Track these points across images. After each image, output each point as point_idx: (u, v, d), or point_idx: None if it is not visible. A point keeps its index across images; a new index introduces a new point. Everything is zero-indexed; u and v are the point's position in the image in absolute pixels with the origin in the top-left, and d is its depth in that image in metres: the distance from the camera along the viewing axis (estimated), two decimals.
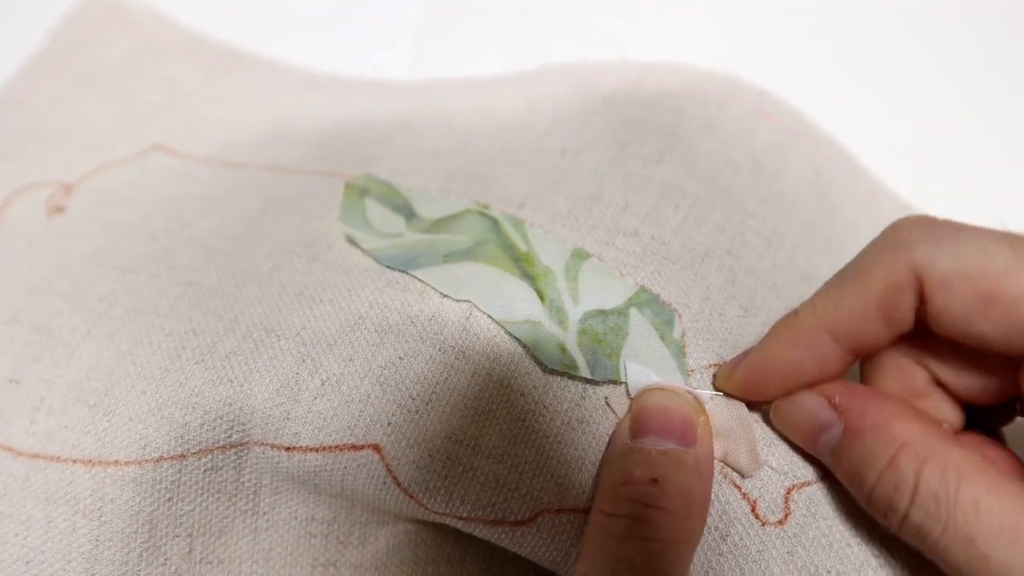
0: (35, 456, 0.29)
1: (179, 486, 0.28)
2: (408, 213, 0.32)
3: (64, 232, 0.37)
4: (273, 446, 0.28)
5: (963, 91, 0.48)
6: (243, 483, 0.29)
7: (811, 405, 0.25)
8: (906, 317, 0.24)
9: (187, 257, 0.33)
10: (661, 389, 0.27)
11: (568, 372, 0.27)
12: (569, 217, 0.31)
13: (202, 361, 0.29)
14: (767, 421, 0.27)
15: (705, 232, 0.31)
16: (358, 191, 0.32)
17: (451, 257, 0.29)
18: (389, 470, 0.26)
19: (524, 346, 0.28)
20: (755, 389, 0.27)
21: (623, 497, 0.24)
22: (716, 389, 0.28)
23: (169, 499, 0.28)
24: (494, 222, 0.30)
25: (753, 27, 0.51)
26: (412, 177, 0.34)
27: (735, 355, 0.28)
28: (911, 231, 0.24)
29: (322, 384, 0.27)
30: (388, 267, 0.30)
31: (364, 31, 0.52)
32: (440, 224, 0.31)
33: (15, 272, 0.35)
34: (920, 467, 0.22)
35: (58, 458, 0.29)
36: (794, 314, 0.26)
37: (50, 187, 0.40)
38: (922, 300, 0.23)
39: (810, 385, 0.26)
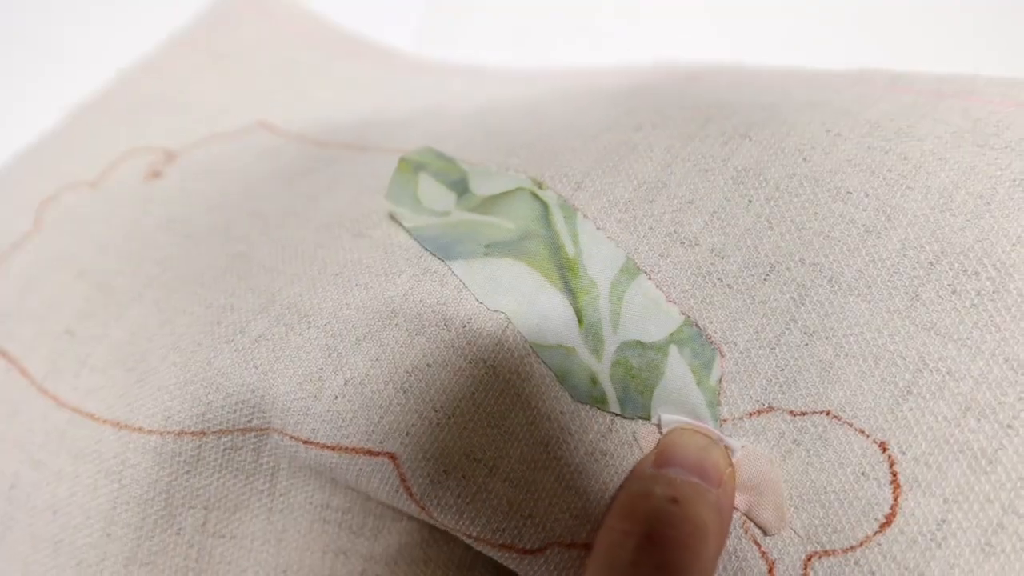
0: (74, 410, 0.30)
1: (198, 461, 0.29)
2: (462, 189, 0.31)
3: (152, 196, 0.38)
4: (292, 436, 0.27)
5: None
6: (262, 464, 0.29)
7: None
8: None
9: (245, 229, 0.34)
10: (693, 430, 0.26)
11: (597, 405, 0.26)
12: (627, 211, 0.28)
13: (232, 341, 0.29)
14: (804, 476, 0.26)
15: (777, 235, 0.27)
16: (413, 166, 0.31)
17: (493, 248, 0.28)
18: (403, 480, 0.26)
19: (554, 374, 0.27)
20: None
21: (639, 512, 0.23)
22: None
23: (187, 472, 0.29)
24: (545, 208, 0.29)
25: (753, 27, 0.50)
26: (476, 153, 0.33)
27: (783, 394, 0.26)
28: None
29: (345, 384, 0.27)
30: (428, 251, 0.29)
31: (364, 31, 0.52)
32: (489, 203, 0.30)
33: (97, 229, 0.37)
34: None
35: (93, 416, 0.29)
36: None
37: (156, 154, 0.41)
38: None
39: None
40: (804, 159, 0.28)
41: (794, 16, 0.50)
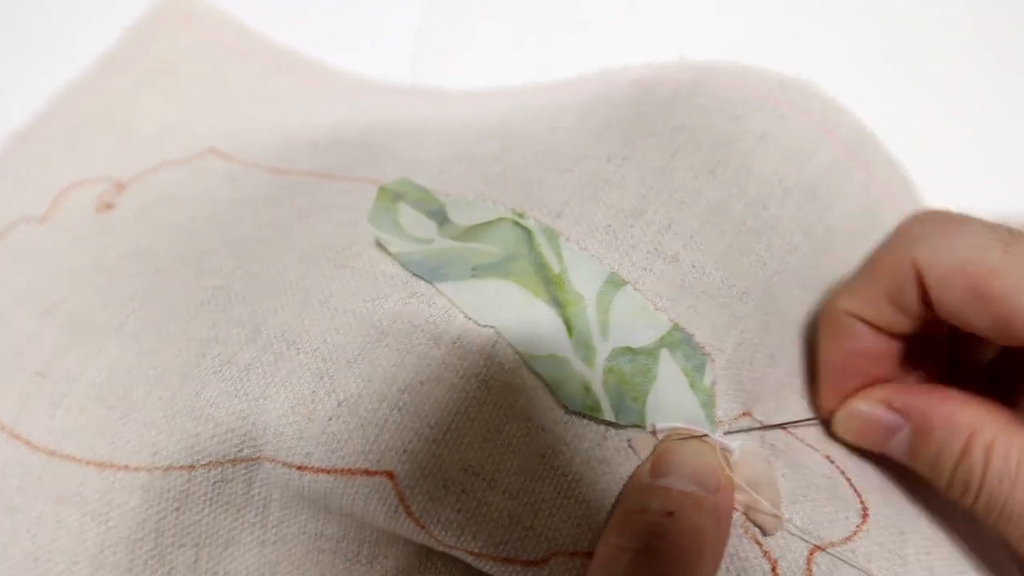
0: (51, 453, 0.29)
1: (187, 496, 0.28)
2: (441, 219, 0.31)
3: (110, 228, 0.37)
4: (284, 464, 0.27)
5: (978, 82, 0.48)
6: (253, 496, 0.29)
7: (870, 413, 0.27)
8: (914, 306, 0.26)
9: (219, 261, 0.33)
10: (689, 436, 0.26)
11: (591, 414, 0.26)
12: (608, 233, 0.29)
13: (220, 371, 0.28)
14: (793, 476, 0.27)
15: (747, 265, 0.30)
16: (392, 195, 0.31)
17: (480, 271, 0.28)
18: (401, 499, 0.26)
19: (545, 383, 0.27)
20: (843, 393, 0.29)
21: (634, 527, 0.23)
22: (831, 433, 0.29)
23: (177, 508, 0.28)
24: (528, 234, 0.29)
25: (755, 26, 0.51)
26: (453, 184, 0.33)
27: (755, 407, 0.28)
28: (916, 227, 0.27)
29: (338, 405, 0.26)
30: (414, 274, 0.29)
31: (364, 30, 0.52)
32: (472, 232, 0.30)
33: (59, 262, 0.36)
34: (988, 450, 0.24)
35: (72, 457, 0.28)
36: (825, 312, 0.29)
37: (104, 183, 0.40)
38: (924, 292, 0.26)
39: (880, 373, 0.28)
40: (763, 207, 0.32)
41: (799, 13, 0.51)
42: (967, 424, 0.25)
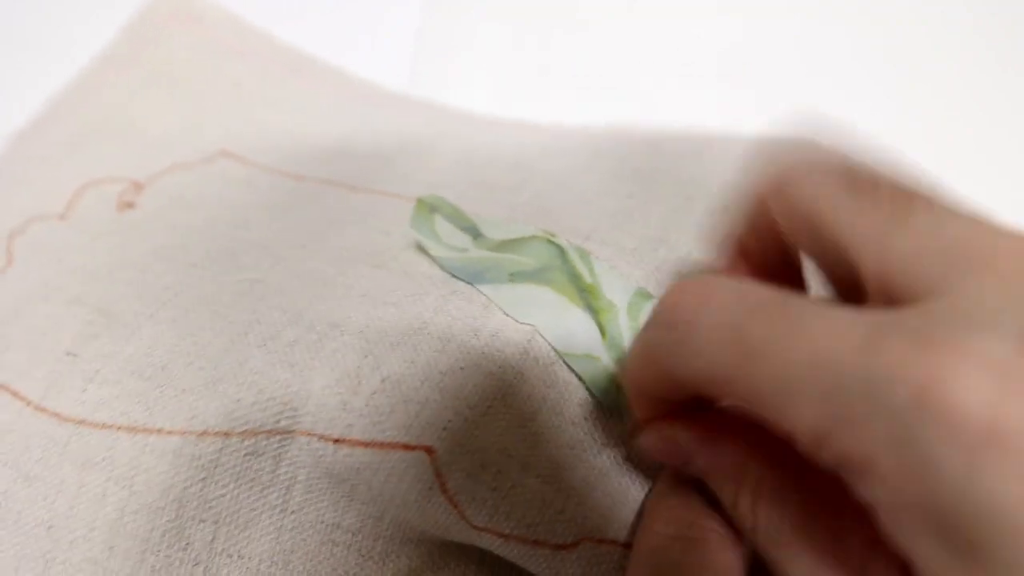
0: (80, 422, 0.29)
1: (216, 467, 0.28)
2: (474, 234, 0.33)
3: (131, 227, 0.38)
4: (321, 437, 0.28)
5: (978, 82, 0.48)
6: (279, 475, 0.29)
7: (655, 446, 0.25)
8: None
9: (252, 259, 0.34)
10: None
11: (622, 410, 0.28)
12: (635, 255, 0.31)
13: (264, 345, 0.29)
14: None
15: None
16: (428, 207, 0.33)
17: (517, 277, 0.30)
18: (438, 475, 0.26)
19: (581, 379, 0.28)
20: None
21: (678, 517, 0.24)
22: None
23: (203, 479, 0.28)
24: (560, 250, 0.31)
25: (755, 26, 0.52)
26: (476, 206, 0.35)
27: None
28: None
29: (382, 381, 0.27)
30: (454, 276, 0.30)
31: (364, 31, 0.53)
32: (506, 245, 0.32)
33: (79, 259, 0.36)
34: (752, 506, 0.22)
35: (104, 425, 0.28)
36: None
37: (120, 183, 0.41)
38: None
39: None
40: None
41: (800, 13, 0.51)
42: (731, 475, 0.23)
